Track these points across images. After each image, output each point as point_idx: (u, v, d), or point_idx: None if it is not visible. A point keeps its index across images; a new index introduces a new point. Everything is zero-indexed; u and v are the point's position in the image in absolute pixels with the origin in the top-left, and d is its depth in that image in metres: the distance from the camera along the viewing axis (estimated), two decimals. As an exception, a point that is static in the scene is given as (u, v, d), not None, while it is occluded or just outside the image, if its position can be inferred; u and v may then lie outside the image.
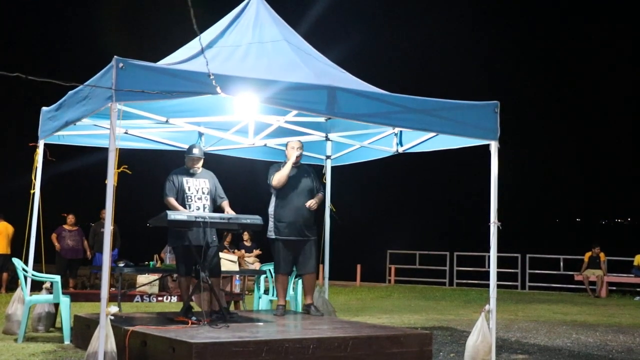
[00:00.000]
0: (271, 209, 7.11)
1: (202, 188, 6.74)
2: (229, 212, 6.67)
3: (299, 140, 7.33)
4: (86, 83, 5.49)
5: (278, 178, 7.03)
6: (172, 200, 6.60)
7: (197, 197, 6.67)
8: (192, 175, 6.77)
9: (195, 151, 6.79)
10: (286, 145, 7.27)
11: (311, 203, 7.07)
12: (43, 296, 7.44)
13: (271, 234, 7.08)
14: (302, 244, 7.05)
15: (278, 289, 7.18)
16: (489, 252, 6.28)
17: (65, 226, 13.46)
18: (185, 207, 6.57)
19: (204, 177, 6.83)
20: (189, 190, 6.66)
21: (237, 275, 9.55)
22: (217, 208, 6.78)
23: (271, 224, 7.06)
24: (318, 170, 8.41)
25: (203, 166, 6.91)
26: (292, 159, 7.07)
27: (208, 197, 6.74)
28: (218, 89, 5.21)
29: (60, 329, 7.15)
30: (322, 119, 7.82)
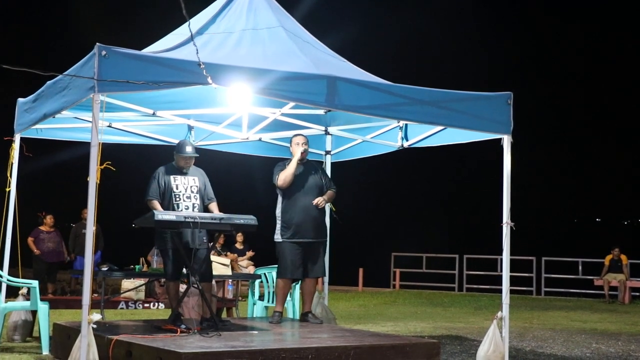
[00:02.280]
0: (278, 211, 7.11)
1: (192, 186, 6.71)
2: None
3: (304, 135, 7.28)
4: (66, 72, 5.50)
5: (283, 178, 7.02)
6: (156, 204, 6.51)
7: (186, 196, 6.65)
8: (181, 172, 6.73)
9: (189, 149, 6.69)
10: (290, 140, 7.25)
11: (319, 200, 7.04)
12: (19, 303, 7.44)
13: (278, 237, 7.06)
14: (311, 246, 7.03)
15: (278, 294, 7.14)
16: (501, 254, 6.30)
17: (43, 228, 13.43)
18: (173, 207, 6.55)
19: (194, 174, 6.80)
20: (177, 188, 6.62)
21: (230, 280, 9.56)
22: (204, 209, 6.74)
23: (278, 226, 7.07)
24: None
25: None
26: (296, 155, 7.04)
27: (197, 195, 6.72)
28: (209, 79, 5.22)
29: (38, 339, 7.15)
30: (321, 112, 7.82)
